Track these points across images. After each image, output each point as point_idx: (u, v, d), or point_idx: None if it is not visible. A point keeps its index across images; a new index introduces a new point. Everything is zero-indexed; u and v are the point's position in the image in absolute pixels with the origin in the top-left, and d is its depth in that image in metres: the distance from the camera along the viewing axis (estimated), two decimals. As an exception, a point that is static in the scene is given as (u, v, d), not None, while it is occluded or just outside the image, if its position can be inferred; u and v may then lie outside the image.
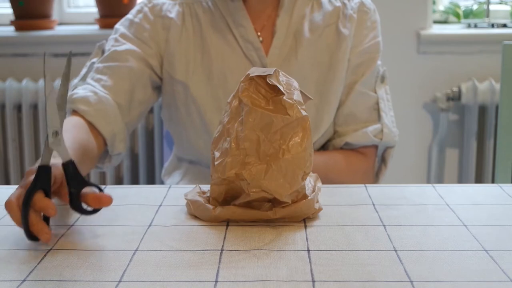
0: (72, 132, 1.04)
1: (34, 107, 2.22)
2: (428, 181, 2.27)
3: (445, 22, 2.38)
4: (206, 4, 1.29)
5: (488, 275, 0.67)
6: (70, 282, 0.67)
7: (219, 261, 0.71)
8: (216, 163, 0.84)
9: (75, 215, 0.87)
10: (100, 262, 0.72)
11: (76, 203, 0.78)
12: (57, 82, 2.17)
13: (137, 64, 1.25)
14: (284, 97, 0.81)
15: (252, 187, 0.81)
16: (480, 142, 2.23)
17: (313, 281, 0.66)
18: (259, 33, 1.27)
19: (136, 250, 0.75)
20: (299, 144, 0.81)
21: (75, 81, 1.26)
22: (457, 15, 2.33)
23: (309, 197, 0.85)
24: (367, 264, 0.70)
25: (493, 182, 2.01)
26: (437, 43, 2.19)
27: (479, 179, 2.25)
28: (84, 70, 1.26)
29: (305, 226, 0.83)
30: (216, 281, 0.66)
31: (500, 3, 2.34)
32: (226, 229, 0.82)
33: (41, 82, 2.18)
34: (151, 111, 2.20)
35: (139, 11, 1.30)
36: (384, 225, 0.83)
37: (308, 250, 0.74)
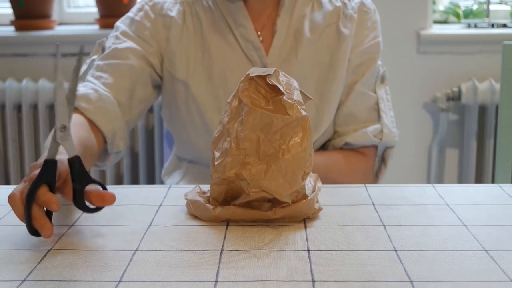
0: (73, 130, 1.04)
1: (34, 107, 2.22)
2: (428, 181, 2.27)
3: (445, 22, 2.38)
4: (207, 4, 1.29)
5: (488, 275, 0.67)
6: (70, 282, 0.67)
7: (219, 261, 0.71)
8: (216, 163, 0.84)
9: (76, 214, 0.87)
10: (100, 262, 0.72)
11: (79, 200, 0.78)
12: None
13: (138, 62, 1.25)
14: (284, 97, 0.81)
15: (252, 187, 0.81)
16: (480, 142, 2.23)
17: (313, 281, 0.66)
18: (259, 33, 1.27)
19: (136, 250, 0.75)
20: (299, 144, 0.81)
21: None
22: (457, 15, 2.33)
23: (309, 197, 0.85)
24: (367, 264, 0.70)
25: (493, 182, 2.01)
26: (437, 43, 2.19)
27: (479, 179, 2.25)
28: (84, 67, 1.26)
29: (305, 226, 0.83)
30: (216, 281, 0.66)
31: (500, 3, 2.34)
32: (226, 229, 0.82)
33: (41, 82, 2.18)
34: (151, 110, 2.20)
35: (140, 9, 1.30)
36: (384, 225, 0.83)
37: (308, 250, 0.74)
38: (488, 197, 0.95)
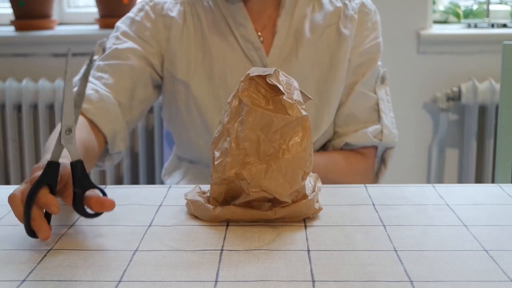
0: None
1: (34, 107, 2.22)
2: (428, 181, 2.27)
3: (445, 22, 2.38)
4: (207, 4, 1.29)
5: (488, 275, 0.67)
6: (70, 282, 0.67)
7: (219, 261, 0.71)
8: (216, 163, 0.84)
9: (76, 215, 0.87)
10: (100, 262, 0.72)
11: (79, 204, 0.78)
12: (57, 83, 2.18)
13: (138, 62, 1.25)
14: (284, 97, 0.81)
15: (252, 186, 0.81)
16: (480, 142, 2.23)
17: (313, 281, 0.66)
18: (259, 33, 1.27)
19: (136, 250, 0.75)
20: (299, 143, 0.81)
21: (75, 79, 1.25)
22: (457, 15, 2.33)
23: (309, 197, 0.85)
24: (367, 264, 0.70)
25: (493, 182, 2.01)
26: (437, 43, 2.19)
27: (479, 179, 2.25)
28: (84, 68, 1.26)
29: (305, 226, 0.83)
30: (216, 281, 0.66)
31: (500, 3, 2.34)
32: (226, 229, 0.82)
33: (41, 82, 2.18)
34: (151, 110, 2.20)
35: (141, 10, 1.30)
36: (384, 225, 0.83)
37: (308, 250, 0.74)
38: (488, 197, 0.95)
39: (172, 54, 1.27)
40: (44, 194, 0.75)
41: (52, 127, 2.24)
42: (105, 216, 0.84)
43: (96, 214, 0.79)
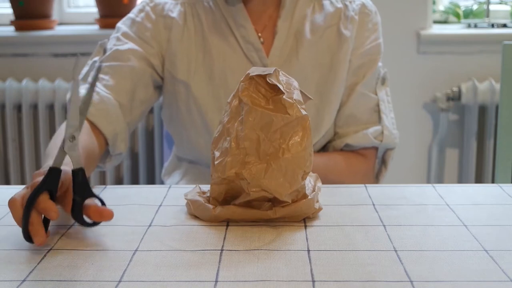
0: None
1: (34, 107, 2.22)
2: (428, 181, 2.27)
3: (445, 22, 2.38)
4: (208, 4, 1.29)
5: (488, 275, 0.67)
6: (70, 282, 0.67)
7: (219, 261, 0.71)
8: (216, 162, 0.84)
9: (75, 215, 0.87)
10: (100, 262, 0.72)
11: (77, 213, 0.78)
12: (57, 83, 2.17)
13: (139, 63, 1.25)
14: (284, 96, 0.81)
15: (252, 186, 0.81)
16: (480, 142, 2.23)
17: (313, 281, 0.66)
18: (260, 34, 1.27)
19: (136, 250, 0.75)
20: (299, 143, 0.81)
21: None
22: (457, 15, 2.33)
23: (309, 197, 0.85)
24: (367, 264, 0.70)
25: (493, 182, 2.01)
26: (437, 43, 2.19)
27: (479, 179, 2.25)
28: (85, 69, 1.26)
29: (305, 226, 0.83)
30: (216, 281, 0.66)
31: (500, 3, 2.34)
32: (226, 229, 0.82)
33: (41, 82, 2.18)
34: (151, 111, 2.20)
35: (141, 10, 1.30)
36: (384, 225, 0.83)
37: (308, 250, 0.74)
38: (488, 197, 0.95)
39: (172, 54, 1.27)
40: (44, 199, 0.75)
41: (52, 127, 2.24)
42: (105, 216, 0.85)
43: (94, 223, 0.79)
